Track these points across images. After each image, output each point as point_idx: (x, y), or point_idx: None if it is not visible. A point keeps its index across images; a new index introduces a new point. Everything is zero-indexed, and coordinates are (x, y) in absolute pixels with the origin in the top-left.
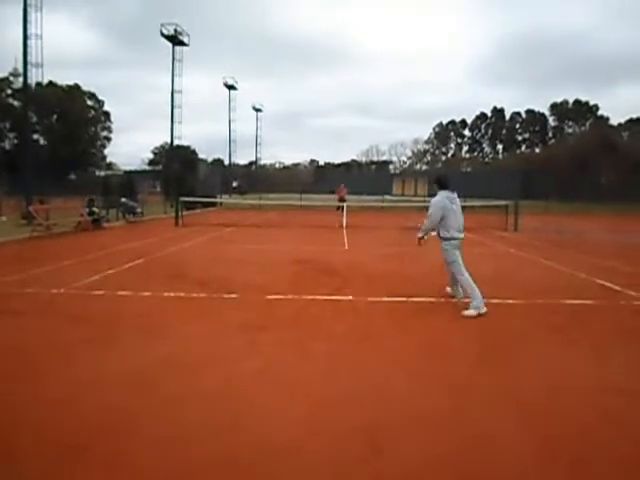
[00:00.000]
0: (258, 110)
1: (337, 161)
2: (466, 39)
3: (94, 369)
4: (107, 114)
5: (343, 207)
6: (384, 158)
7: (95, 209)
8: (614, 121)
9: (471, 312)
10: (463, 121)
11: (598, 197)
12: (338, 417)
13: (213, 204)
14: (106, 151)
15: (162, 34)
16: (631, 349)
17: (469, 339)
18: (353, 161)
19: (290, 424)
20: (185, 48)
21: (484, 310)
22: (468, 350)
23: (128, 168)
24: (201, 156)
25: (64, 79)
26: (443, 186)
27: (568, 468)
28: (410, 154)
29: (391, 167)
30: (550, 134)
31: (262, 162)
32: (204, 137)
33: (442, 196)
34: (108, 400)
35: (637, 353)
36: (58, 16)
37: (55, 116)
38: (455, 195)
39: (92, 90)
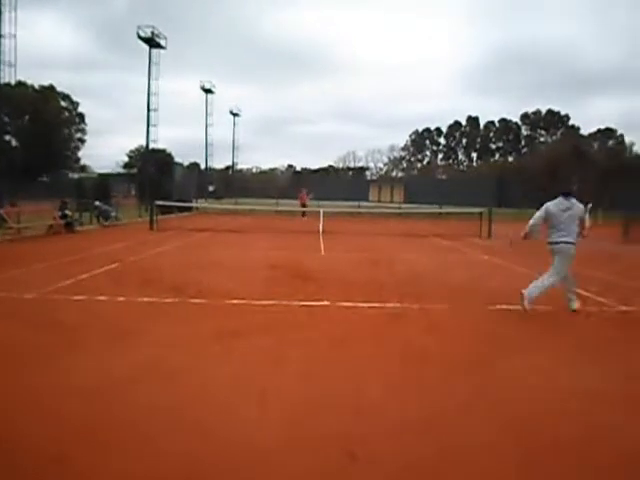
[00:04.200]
0: (235, 115)
1: (314, 167)
2: (447, 50)
3: (68, 376)
4: (82, 116)
5: (303, 213)
6: (361, 164)
7: (68, 212)
8: (584, 131)
9: (528, 292)
10: (438, 129)
11: None
12: (313, 424)
13: (189, 208)
14: (80, 153)
15: (139, 36)
16: (604, 354)
17: (444, 345)
18: (330, 167)
19: (264, 432)
20: (165, 51)
21: (527, 305)
22: (443, 356)
23: (103, 171)
24: (177, 160)
25: (40, 79)
26: (561, 193)
27: (548, 477)
28: (387, 161)
29: (368, 173)
30: (523, 143)
31: (239, 167)
32: (181, 141)
33: (553, 202)
34: (83, 408)
35: (610, 358)
36: (34, 15)
37: (27, 117)
38: (570, 202)
39: (66, 91)
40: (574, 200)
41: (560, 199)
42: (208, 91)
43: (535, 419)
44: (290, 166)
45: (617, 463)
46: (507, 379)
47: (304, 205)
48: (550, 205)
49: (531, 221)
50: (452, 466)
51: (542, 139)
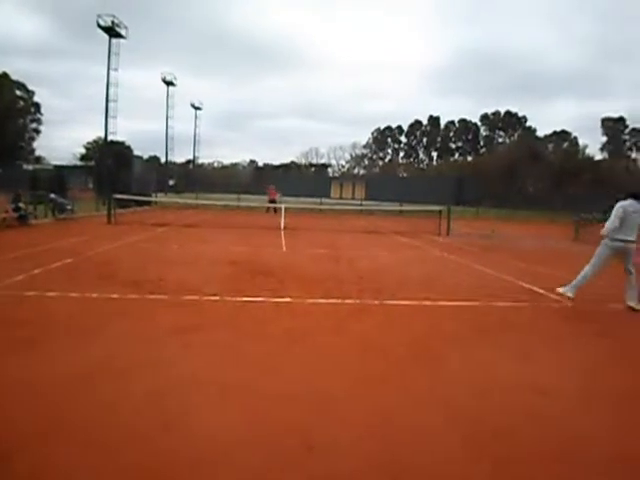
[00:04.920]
0: (197, 108)
1: (277, 162)
2: (410, 51)
3: (18, 374)
4: (37, 105)
5: (274, 209)
6: (323, 161)
7: (22, 205)
8: (541, 133)
9: (565, 289)
10: (400, 127)
11: (525, 204)
12: (272, 418)
13: (148, 202)
14: (35, 144)
15: (99, 25)
16: (553, 350)
17: (401, 340)
18: (292, 163)
19: (223, 427)
20: (127, 42)
21: (570, 295)
22: (399, 351)
23: (59, 163)
24: (137, 153)
25: None
26: (631, 196)
27: (492, 467)
28: (349, 158)
29: (330, 170)
30: (482, 143)
31: (200, 161)
32: (141, 134)
33: (622, 203)
34: (35, 406)
35: (559, 354)
36: None
37: None
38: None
39: (21, 80)
40: None
41: (630, 202)
42: (170, 83)
43: (482, 413)
44: (252, 161)
45: (559, 451)
46: (456, 373)
47: (273, 201)
48: (626, 205)
49: (609, 224)
50: (403, 458)
51: (500, 140)
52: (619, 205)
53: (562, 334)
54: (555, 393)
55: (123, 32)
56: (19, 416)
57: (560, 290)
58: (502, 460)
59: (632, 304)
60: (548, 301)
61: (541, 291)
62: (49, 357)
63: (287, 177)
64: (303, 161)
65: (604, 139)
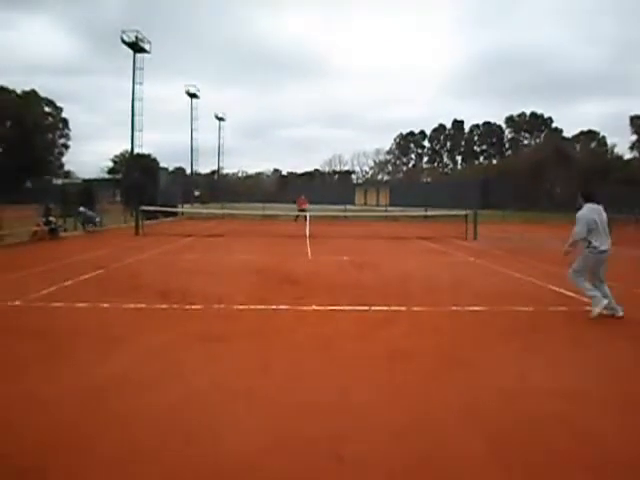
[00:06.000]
0: (221, 119)
1: (300, 171)
2: (433, 55)
3: (49, 385)
4: (65, 121)
5: (305, 216)
6: (347, 168)
7: (52, 218)
8: (567, 134)
9: (595, 310)
10: (422, 132)
11: (553, 207)
12: (300, 427)
13: (174, 213)
14: (64, 159)
15: (123, 41)
16: (583, 354)
17: (428, 346)
18: (316, 171)
19: (250, 437)
20: (151, 56)
21: (601, 311)
22: (427, 358)
23: (87, 177)
24: (162, 165)
25: (25, 84)
26: (588, 199)
27: (522, 474)
28: (372, 164)
29: (353, 177)
30: (507, 146)
31: (225, 171)
32: (166, 146)
33: (587, 209)
34: (62, 418)
35: (589, 358)
36: (16, 17)
37: (10, 123)
38: (601, 207)
39: (50, 97)
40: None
41: (592, 205)
42: (193, 96)
43: (513, 421)
44: (276, 170)
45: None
46: (487, 381)
47: (303, 210)
48: (586, 212)
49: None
50: (435, 466)
51: (525, 142)
52: (580, 215)
53: (593, 338)
54: (585, 399)
55: (147, 47)
56: (45, 430)
57: (595, 313)
58: (532, 467)
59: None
60: (578, 304)
61: (571, 294)
62: (77, 367)
63: (311, 185)
64: (327, 169)
65: (634, 138)
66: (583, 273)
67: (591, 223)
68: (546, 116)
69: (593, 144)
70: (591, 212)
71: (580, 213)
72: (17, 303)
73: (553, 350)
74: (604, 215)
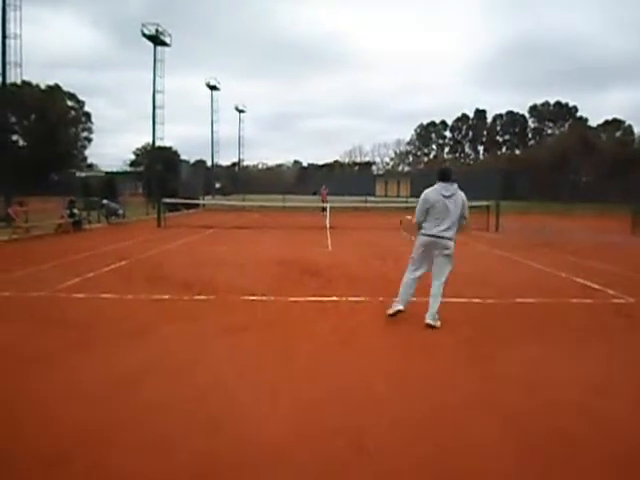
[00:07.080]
0: (241, 111)
1: (321, 162)
2: (454, 44)
3: (76, 375)
4: (88, 115)
5: (325, 208)
6: (367, 159)
7: (76, 211)
8: (593, 123)
9: (388, 310)
10: (444, 122)
11: (577, 197)
12: (321, 418)
13: (196, 205)
14: (87, 152)
15: (143, 34)
16: (609, 348)
17: (450, 339)
18: (336, 162)
19: (273, 426)
20: (171, 49)
21: (391, 311)
22: (448, 350)
23: (110, 169)
24: (184, 157)
25: (49, 78)
26: (440, 178)
27: (545, 467)
28: (393, 155)
29: (374, 168)
30: (530, 135)
31: (245, 163)
32: (188, 138)
33: (431, 188)
34: (90, 407)
35: (615, 352)
36: (43, 12)
37: (34, 117)
38: (453, 187)
39: (72, 91)
40: (456, 186)
41: (440, 184)
42: (213, 88)
43: (534, 412)
44: (296, 162)
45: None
46: (508, 372)
47: (324, 201)
48: (428, 191)
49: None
50: (456, 458)
51: (549, 131)
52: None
53: (619, 331)
54: (611, 392)
55: (167, 40)
56: (75, 417)
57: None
58: (555, 459)
59: (430, 320)
60: (605, 297)
61: (597, 287)
62: (102, 358)
63: (331, 176)
64: (347, 160)
65: None
66: (415, 261)
67: (427, 203)
68: (571, 105)
69: (618, 133)
70: (433, 191)
71: (422, 193)
72: (42, 294)
73: (576, 342)
74: (458, 196)
